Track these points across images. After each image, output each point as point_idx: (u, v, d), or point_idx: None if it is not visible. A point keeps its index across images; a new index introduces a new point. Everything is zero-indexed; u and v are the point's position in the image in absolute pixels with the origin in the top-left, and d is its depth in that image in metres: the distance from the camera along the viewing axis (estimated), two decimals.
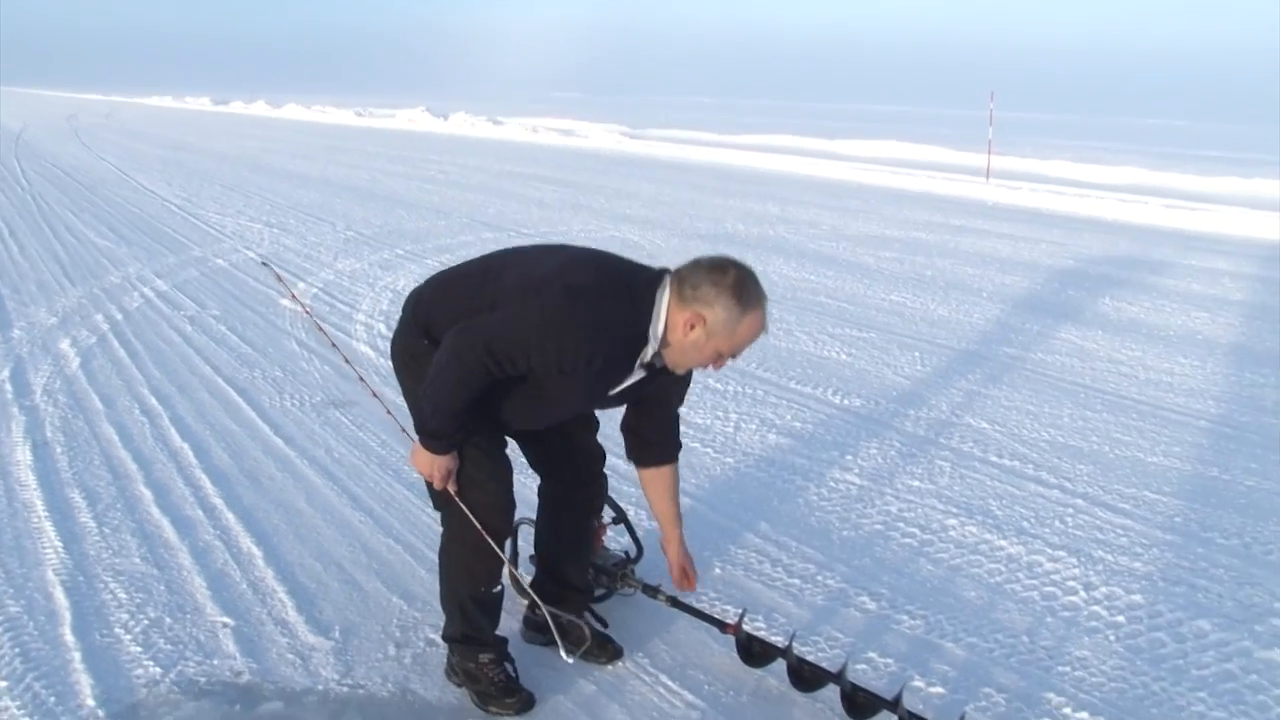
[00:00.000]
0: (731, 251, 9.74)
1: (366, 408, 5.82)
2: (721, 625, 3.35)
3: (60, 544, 4.25)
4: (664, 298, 2.84)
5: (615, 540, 3.88)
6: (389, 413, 3.70)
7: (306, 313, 3.53)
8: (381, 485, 4.87)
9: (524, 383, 2.94)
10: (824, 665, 3.16)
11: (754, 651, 3.29)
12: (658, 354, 2.91)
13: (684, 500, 4.59)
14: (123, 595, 3.83)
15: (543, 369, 2.84)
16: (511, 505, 3.15)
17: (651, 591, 3.56)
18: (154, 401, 6.07)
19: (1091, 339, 7.92)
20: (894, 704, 2.90)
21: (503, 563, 3.15)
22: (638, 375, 2.97)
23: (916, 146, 27.24)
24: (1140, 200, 16.92)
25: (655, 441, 3.26)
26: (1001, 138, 21.32)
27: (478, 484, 3.05)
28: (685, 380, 3.17)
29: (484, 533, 3.01)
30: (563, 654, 3.10)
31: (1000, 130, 21.01)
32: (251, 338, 7.47)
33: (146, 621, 3.65)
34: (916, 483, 5.04)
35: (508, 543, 3.35)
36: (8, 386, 6.34)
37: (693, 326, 2.81)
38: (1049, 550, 4.32)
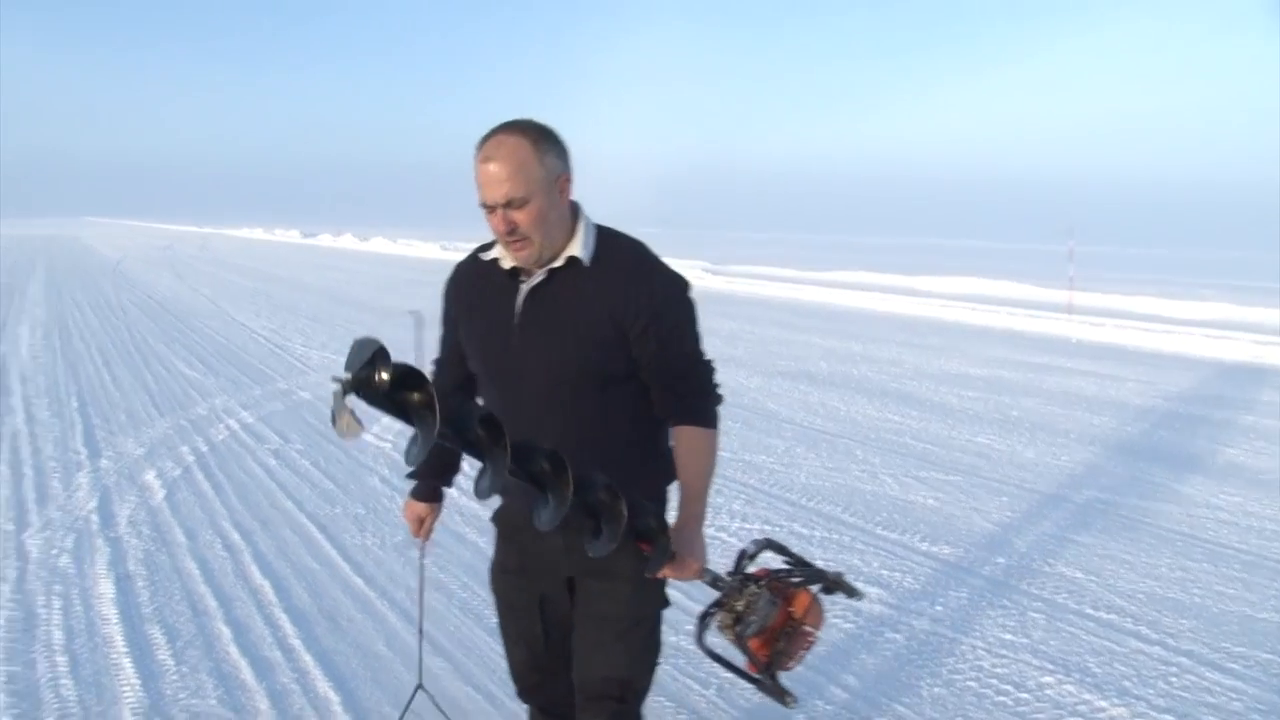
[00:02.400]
0: (813, 391, 9.83)
1: (448, 548, 5.78)
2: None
3: (138, 681, 4.23)
4: None
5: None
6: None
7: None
8: (462, 630, 4.79)
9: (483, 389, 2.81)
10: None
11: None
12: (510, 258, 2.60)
13: None
14: None
15: (450, 331, 2.86)
16: (538, 669, 2.91)
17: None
18: (236, 536, 6.09)
19: (1187, 483, 7.67)
20: None
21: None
22: (522, 289, 2.60)
23: (996, 282, 27.16)
24: (1228, 336, 16.62)
25: (660, 398, 2.65)
26: (1083, 272, 21.15)
27: (507, 638, 2.98)
28: (653, 325, 2.56)
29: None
30: None
31: (1081, 264, 20.86)
32: (334, 473, 7.51)
33: None
34: (1009, 636, 4.85)
35: None
36: (94, 517, 6.42)
37: None
38: (1154, 714, 4.10)
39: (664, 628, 2.79)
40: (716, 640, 2.65)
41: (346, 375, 1.99)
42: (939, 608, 5.20)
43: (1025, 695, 4.24)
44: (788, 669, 2.68)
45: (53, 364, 12.63)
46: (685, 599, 4.70)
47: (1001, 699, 4.21)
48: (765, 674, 2.65)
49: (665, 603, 2.76)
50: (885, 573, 5.66)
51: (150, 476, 7.39)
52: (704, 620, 2.67)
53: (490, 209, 2.50)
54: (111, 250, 47.25)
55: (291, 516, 6.48)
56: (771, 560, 2.77)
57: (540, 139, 2.49)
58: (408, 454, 2.10)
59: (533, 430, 2.59)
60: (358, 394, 2.00)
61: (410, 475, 2.99)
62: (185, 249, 49.66)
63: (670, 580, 2.67)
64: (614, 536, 2.36)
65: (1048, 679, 4.39)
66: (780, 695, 2.64)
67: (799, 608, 2.69)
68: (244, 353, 13.83)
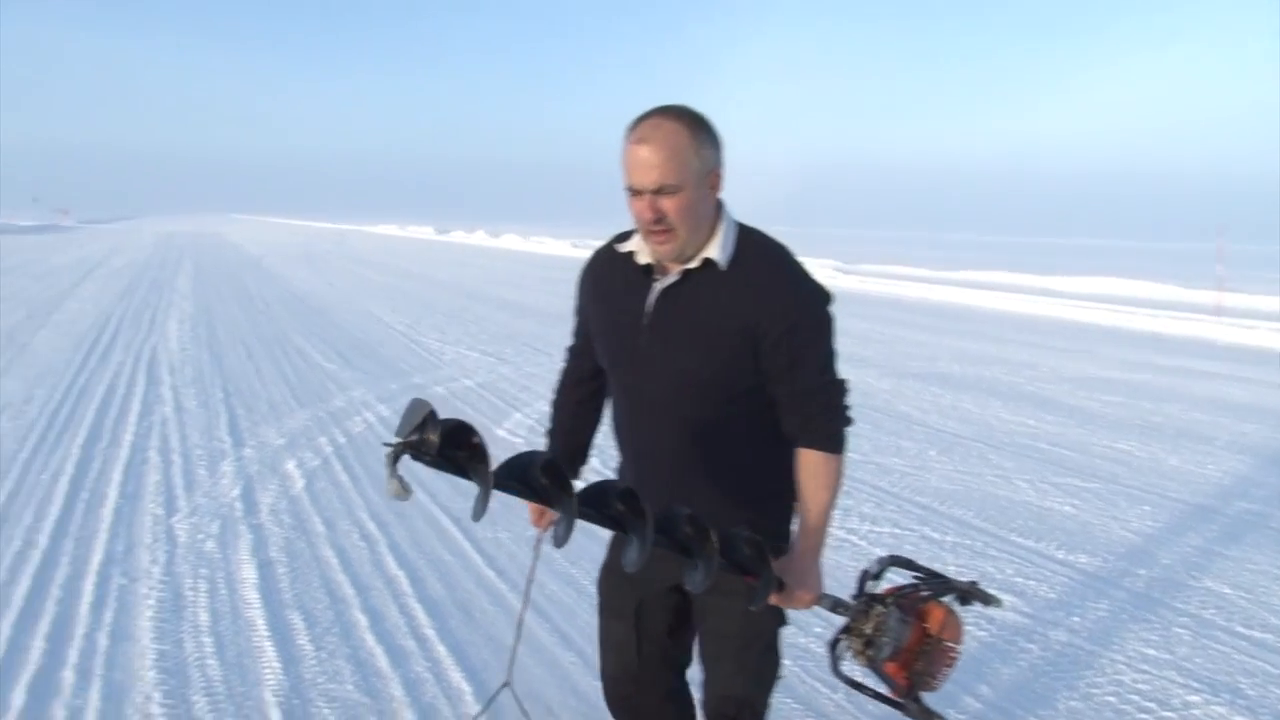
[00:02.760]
0: (945, 394, 9.65)
1: (579, 544, 5.81)
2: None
3: (279, 665, 4.36)
4: None
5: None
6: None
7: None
8: (593, 626, 4.78)
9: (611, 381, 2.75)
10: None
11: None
12: (647, 253, 2.53)
13: None
14: None
15: (582, 319, 2.82)
16: (629, 678, 2.85)
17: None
18: (373, 527, 6.24)
19: None
20: None
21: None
22: (655, 288, 2.52)
23: (1136, 282, 26.33)
24: None
25: (786, 417, 2.53)
26: (1232, 272, 20.35)
27: (602, 643, 2.92)
28: (786, 338, 2.44)
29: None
30: None
31: (1231, 264, 20.07)
32: None
33: None
34: (1152, 651, 4.68)
35: None
36: (238, 504, 6.63)
37: None
38: None
39: (792, 629, 2.74)
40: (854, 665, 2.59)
41: (397, 440, 1.99)
42: (1076, 619, 5.05)
43: (1169, 714, 4.09)
44: (932, 689, 2.58)
45: (199, 355, 13.10)
46: None
47: (1144, 716, 4.07)
48: (908, 698, 2.57)
49: (783, 620, 2.67)
50: (1020, 581, 5.53)
51: (290, 466, 7.61)
52: (834, 649, 2.59)
53: (637, 193, 2.39)
54: (253, 246, 48.85)
55: (425, 509, 6.60)
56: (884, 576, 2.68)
57: (698, 129, 2.40)
58: (474, 509, 2.08)
59: (653, 435, 2.58)
60: (413, 457, 2.00)
61: None
62: (323, 245, 51.11)
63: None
64: (709, 573, 2.28)
65: (1194, 698, 4.23)
66: (928, 718, 2.57)
67: (934, 623, 2.56)
68: (380, 347, 14.16)
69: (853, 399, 2.55)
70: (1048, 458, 8.32)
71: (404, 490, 1.97)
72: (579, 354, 2.87)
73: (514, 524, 6.27)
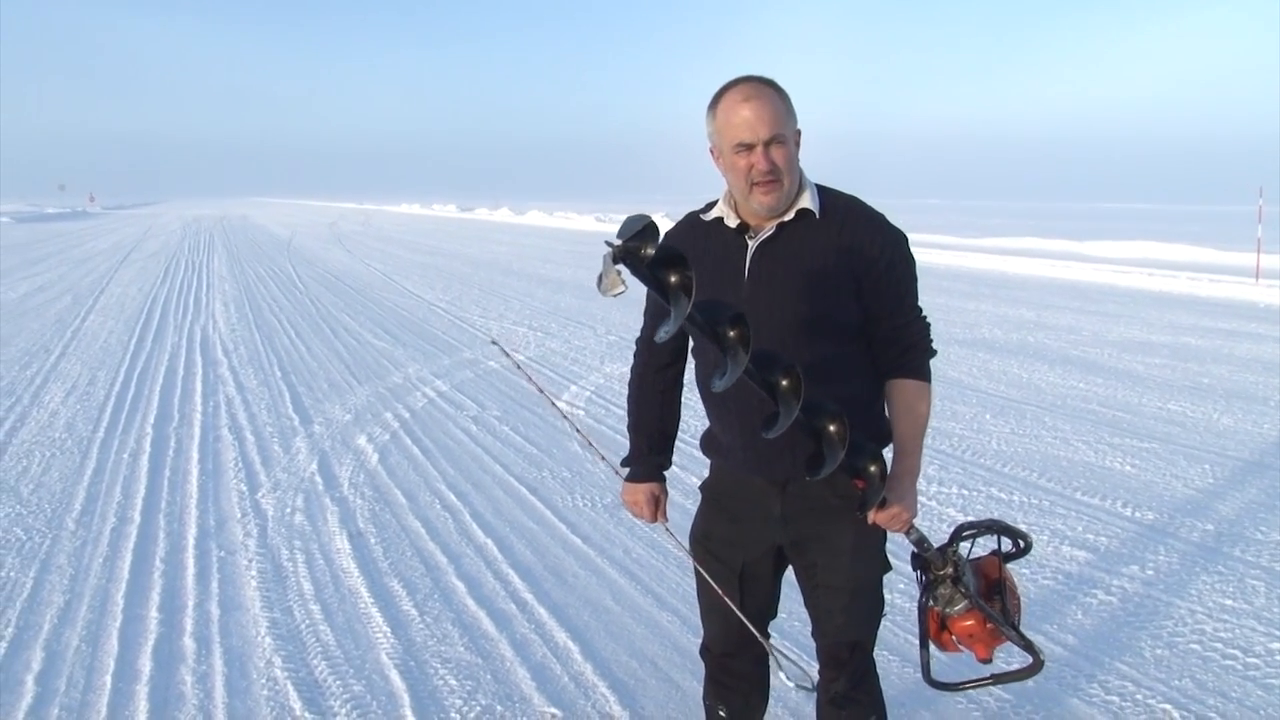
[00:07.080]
0: (992, 359, 9.74)
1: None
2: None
3: (389, 629, 4.54)
4: None
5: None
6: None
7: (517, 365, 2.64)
8: (684, 587, 4.97)
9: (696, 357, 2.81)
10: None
11: None
12: (736, 215, 2.67)
13: None
14: (454, 682, 4.05)
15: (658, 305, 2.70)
16: (728, 640, 2.94)
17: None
18: (453, 497, 6.41)
19: None
20: None
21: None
22: (751, 244, 2.65)
23: (1174, 246, 26.31)
24: None
25: (883, 350, 2.70)
26: (1272, 235, 20.28)
27: (703, 608, 3.01)
28: (885, 275, 2.64)
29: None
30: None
31: (1270, 227, 20.01)
32: (535, 439, 7.80)
33: (479, 708, 3.85)
34: (1230, 602, 4.81)
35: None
36: (317, 479, 6.82)
37: (714, 155, 2.67)
38: None
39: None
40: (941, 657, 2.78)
41: (618, 242, 2.08)
42: (1150, 572, 5.18)
43: (1255, 660, 4.22)
44: (1017, 624, 2.76)
45: (250, 336, 13.32)
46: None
47: (1229, 663, 4.20)
48: (1009, 626, 2.72)
49: (886, 567, 2.84)
50: (1090, 537, 5.65)
51: (362, 441, 7.79)
52: (923, 607, 2.76)
53: (750, 148, 2.53)
54: (280, 228, 49.19)
55: (501, 479, 6.78)
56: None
57: (786, 95, 2.59)
58: (659, 331, 2.21)
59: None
60: (624, 262, 2.08)
61: (625, 461, 3.00)
62: (349, 226, 51.35)
63: (888, 543, 2.82)
64: (833, 462, 2.39)
65: (1276, 645, 4.35)
66: (1030, 647, 2.72)
67: (992, 569, 2.80)
68: (425, 324, 14.35)
69: (936, 352, 2.75)
70: (1101, 419, 8.43)
71: (621, 284, 2.06)
72: (650, 344, 2.91)
73: (589, 492, 6.45)
